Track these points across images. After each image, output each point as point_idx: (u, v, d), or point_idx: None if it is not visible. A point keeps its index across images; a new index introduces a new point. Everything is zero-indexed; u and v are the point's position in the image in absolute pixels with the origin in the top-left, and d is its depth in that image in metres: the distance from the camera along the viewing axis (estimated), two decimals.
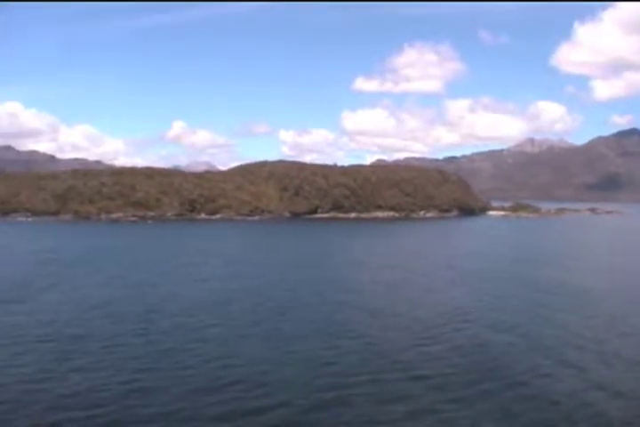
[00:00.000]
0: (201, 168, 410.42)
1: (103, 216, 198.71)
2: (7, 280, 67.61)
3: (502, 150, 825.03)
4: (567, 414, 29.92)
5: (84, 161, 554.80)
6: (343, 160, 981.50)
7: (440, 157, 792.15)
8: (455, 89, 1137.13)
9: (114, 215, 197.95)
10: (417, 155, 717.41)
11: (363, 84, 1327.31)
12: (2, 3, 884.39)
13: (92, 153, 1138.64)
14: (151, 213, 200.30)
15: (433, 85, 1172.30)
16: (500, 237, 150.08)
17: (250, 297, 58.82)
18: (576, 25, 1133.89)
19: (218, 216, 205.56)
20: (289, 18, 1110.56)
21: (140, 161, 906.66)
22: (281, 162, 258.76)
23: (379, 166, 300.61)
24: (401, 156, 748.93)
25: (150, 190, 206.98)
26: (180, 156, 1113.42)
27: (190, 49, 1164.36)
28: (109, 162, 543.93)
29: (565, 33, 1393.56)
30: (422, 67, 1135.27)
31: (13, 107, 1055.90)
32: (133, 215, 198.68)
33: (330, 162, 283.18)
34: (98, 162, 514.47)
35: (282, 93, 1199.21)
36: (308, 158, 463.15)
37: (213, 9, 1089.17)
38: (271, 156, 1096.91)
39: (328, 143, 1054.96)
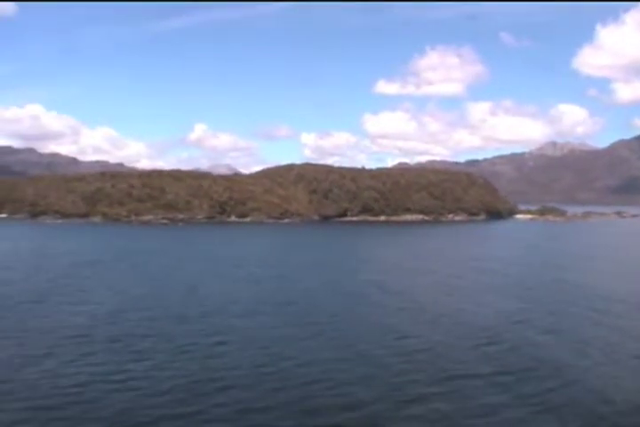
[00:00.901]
0: (222, 171, 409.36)
1: (133, 218, 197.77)
2: (59, 281, 66.40)
3: (524, 153, 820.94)
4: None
5: (105, 163, 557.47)
6: (364, 163, 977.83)
7: (461, 160, 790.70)
8: (477, 92, 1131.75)
9: (145, 218, 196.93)
10: (438, 158, 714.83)
11: (384, 87, 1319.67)
12: (27, 3, 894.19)
13: (113, 156, 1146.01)
14: (181, 216, 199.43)
15: (454, 88, 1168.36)
16: (534, 242, 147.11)
17: (300, 299, 58.07)
18: (598, 27, 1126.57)
19: (248, 219, 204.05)
20: (311, 20, 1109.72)
21: (161, 164, 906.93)
22: (308, 165, 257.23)
23: (407, 169, 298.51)
24: (422, 159, 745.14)
25: (180, 193, 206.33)
26: (202, 159, 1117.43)
27: (212, 51, 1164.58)
28: (131, 164, 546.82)
29: (587, 35, 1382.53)
30: (444, 70, 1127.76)
31: (35, 109, 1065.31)
32: (163, 218, 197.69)
33: (351, 165, 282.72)
34: (120, 164, 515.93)
35: (303, 96, 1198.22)
36: (330, 161, 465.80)
37: (236, 10, 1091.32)
38: (292, 159, 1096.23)
39: (349, 146, 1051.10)
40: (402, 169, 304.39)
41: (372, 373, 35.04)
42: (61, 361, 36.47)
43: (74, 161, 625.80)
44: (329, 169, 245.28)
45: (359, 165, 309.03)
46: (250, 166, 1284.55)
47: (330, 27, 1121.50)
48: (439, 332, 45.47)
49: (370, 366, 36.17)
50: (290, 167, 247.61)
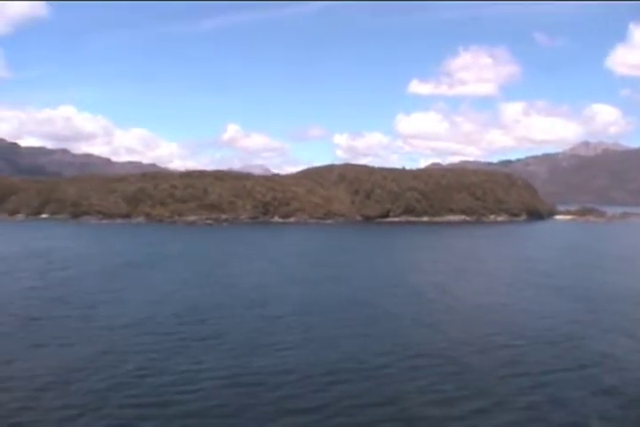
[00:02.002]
0: (255, 171, 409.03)
1: (177, 219, 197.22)
2: (127, 280, 65.58)
3: (557, 154, 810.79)
4: None
5: (138, 164, 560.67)
6: (397, 163, 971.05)
7: (494, 160, 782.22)
8: (510, 92, 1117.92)
9: (189, 218, 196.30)
10: (470, 158, 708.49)
11: (418, 87, 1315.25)
12: (59, 3, 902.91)
13: (145, 156, 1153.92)
14: (224, 216, 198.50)
15: (488, 88, 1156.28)
16: (581, 243, 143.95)
17: (371, 300, 57.47)
18: (631, 26, 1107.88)
19: (292, 219, 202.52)
20: (344, 20, 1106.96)
21: (194, 164, 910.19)
22: (348, 165, 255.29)
23: (448, 170, 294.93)
24: (454, 159, 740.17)
25: (223, 193, 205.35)
26: (234, 159, 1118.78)
27: (244, 52, 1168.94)
28: (164, 165, 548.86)
29: (620, 34, 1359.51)
30: (477, 70, 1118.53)
31: (68, 110, 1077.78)
32: (207, 218, 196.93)
33: (384, 166, 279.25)
34: (153, 165, 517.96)
35: (336, 97, 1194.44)
36: (362, 162, 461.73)
37: (268, 11, 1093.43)
38: (325, 159, 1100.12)
39: (382, 146, 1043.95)
40: (442, 169, 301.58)
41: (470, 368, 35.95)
42: (162, 358, 36.57)
43: (107, 162, 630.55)
44: (370, 170, 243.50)
45: (391, 166, 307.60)
46: (282, 167, 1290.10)
47: (363, 27, 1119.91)
48: (512, 331, 45.62)
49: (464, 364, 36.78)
50: (330, 168, 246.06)
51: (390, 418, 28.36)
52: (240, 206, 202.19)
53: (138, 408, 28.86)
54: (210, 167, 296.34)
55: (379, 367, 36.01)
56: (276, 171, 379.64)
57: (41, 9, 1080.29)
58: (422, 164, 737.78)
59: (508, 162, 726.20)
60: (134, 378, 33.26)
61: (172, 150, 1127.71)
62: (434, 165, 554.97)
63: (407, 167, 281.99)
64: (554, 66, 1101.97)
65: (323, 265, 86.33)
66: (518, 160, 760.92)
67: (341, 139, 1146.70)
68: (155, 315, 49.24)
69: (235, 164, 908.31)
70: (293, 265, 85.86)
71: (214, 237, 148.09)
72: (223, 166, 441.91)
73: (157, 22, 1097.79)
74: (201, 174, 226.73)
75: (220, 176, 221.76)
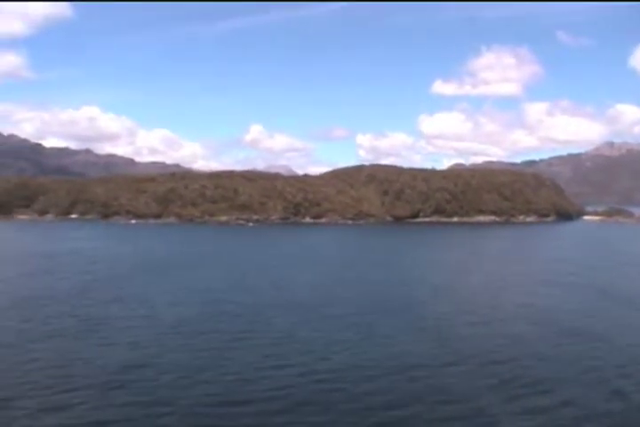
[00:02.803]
0: (279, 172, 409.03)
1: (209, 219, 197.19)
2: (181, 280, 65.13)
3: (581, 154, 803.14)
4: None
5: (162, 164, 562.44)
6: (420, 164, 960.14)
7: (517, 160, 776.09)
8: (534, 92, 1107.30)
9: (221, 218, 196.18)
10: (494, 159, 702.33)
11: (441, 88, 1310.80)
12: (77, 3, 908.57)
13: (168, 156, 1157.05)
14: (255, 217, 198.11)
15: (511, 88, 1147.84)
16: (617, 244, 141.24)
17: (410, 299, 57.25)
18: None
19: (323, 220, 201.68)
20: (368, 20, 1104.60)
21: (217, 165, 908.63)
22: (377, 166, 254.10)
23: (477, 170, 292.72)
24: (478, 160, 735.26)
25: (253, 194, 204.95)
26: (257, 159, 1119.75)
27: (268, 53, 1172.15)
28: (187, 165, 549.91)
29: None
30: (501, 70, 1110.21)
31: (91, 111, 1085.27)
32: (238, 218, 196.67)
33: (407, 166, 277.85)
34: (176, 165, 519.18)
35: (360, 97, 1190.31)
36: (385, 162, 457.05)
37: (291, 12, 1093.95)
38: (348, 160, 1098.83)
39: (405, 147, 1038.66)
40: (471, 170, 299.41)
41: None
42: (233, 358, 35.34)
43: (131, 162, 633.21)
44: (399, 170, 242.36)
45: (414, 166, 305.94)
46: (305, 167, 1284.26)
47: (386, 27, 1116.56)
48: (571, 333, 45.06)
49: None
50: (359, 168, 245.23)
51: (463, 415, 28.20)
52: (271, 207, 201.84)
53: (218, 406, 28.69)
54: (233, 168, 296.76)
55: (445, 365, 35.83)
56: (299, 171, 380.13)
57: (64, 10, 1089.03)
58: (445, 164, 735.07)
59: (532, 162, 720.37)
60: (211, 376, 33.02)
61: (195, 151, 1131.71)
62: (457, 165, 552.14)
63: (431, 168, 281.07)
64: (577, 65, 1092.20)
65: (371, 266, 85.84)
66: (542, 160, 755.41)
67: (364, 139, 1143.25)
68: (216, 314, 49.07)
69: (258, 164, 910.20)
70: (341, 265, 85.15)
71: (252, 237, 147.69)
72: (247, 167, 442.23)
73: (180, 23, 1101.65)
74: (230, 175, 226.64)
75: (249, 177, 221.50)
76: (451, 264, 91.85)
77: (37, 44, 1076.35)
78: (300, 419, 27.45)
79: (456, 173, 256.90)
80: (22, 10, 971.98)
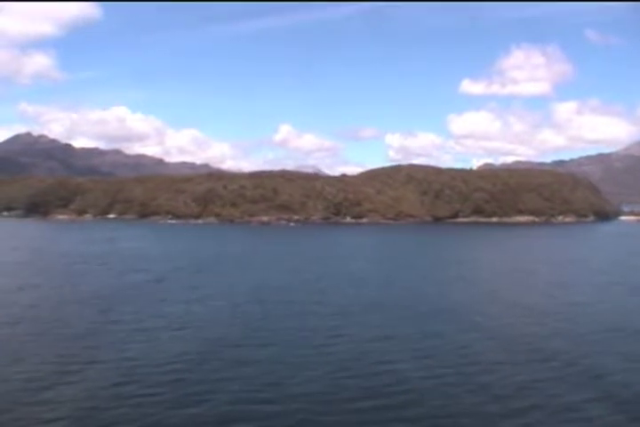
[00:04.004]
0: (308, 172, 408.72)
1: (253, 219, 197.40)
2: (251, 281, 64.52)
3: (610, 154, 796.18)
4: None
5: (191, 164, 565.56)
6: (449, 164, 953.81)
7: (546, 160, 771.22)
8: (563, 91, 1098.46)
9: (263, 218, 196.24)
10: (523, 158, 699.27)
11: (469, 87, 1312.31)
12: (106, 4, 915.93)
13: (197, 157, 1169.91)
14: (296, 217, 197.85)
15: (540, 87, 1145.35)
16: None
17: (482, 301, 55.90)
18: None
19: (364, 220, 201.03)
20: (395, 20, 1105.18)
21: (246, 165, 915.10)
22: (414, 166, 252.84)
23: (515, 170, 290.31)
24: (507, 159, 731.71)
25: (293, 194, 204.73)
26: (286, 159, 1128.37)
27: (297, 53, 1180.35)
28: (216, 165, 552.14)
29: None
30: (530, 69, 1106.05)
31: (120, 111, 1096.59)
32: (278, 218, 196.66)
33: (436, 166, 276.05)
34: (205, 165, 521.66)
35: (389, 97, 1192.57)
36: (414, 162, 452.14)
37: (319, 11, 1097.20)
38: (377, 160, 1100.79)
39: (434, 147, 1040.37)
40: (509, 170, 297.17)
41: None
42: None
43: (160, 162, 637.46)
44: (438, 170, 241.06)
45: (445, 167, 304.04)
46: (334, 167, 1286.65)
47: (414, 27, 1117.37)
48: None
49: None
50: (397, 168, 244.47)
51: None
52: (311, 207, 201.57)
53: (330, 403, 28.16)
54: (262, 168, 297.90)
55: (497, 363, 35.32)
56: (328, 171, 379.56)
57: (92, 10, 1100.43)
58: (475, 164, 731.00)
59: (562, 162, 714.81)
60: (317, 372, 32.76)
61: (223, 151, 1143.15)
62: (487, 165, 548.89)
63: (459, 167, 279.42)
64: (607, 64, 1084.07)
65: (432, 266, 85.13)
66: (571, 160, 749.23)
67: (393, 139, 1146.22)
68: (302, 312, 48.75)
69: (287, 164, 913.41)
70: (405, 265, 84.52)
71: (299, 237, 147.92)
72: (275, 167, 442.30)
73: (210, 22, 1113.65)
74: (270, 175, 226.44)
75: (288, 176, 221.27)
76: (509, 265, 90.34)
77: (66, 45, 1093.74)
78: (422, 413, 27.17)
79: (494, 173, 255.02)
80: (51, 11, 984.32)
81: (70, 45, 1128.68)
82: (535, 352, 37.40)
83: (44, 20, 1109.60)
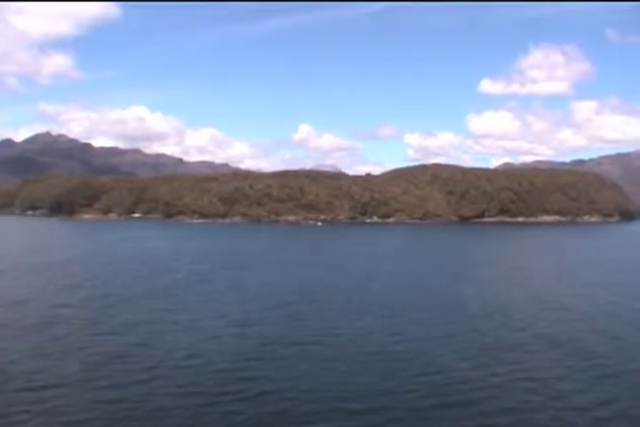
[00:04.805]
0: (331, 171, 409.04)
1: (280, 219, 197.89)
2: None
3: (630, 153, 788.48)
4: None
5: (210, 164, 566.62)
6: (468, 163, 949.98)
7: (565, 159, 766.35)
8: (582, 90, 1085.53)
9: (290, 218, 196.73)
10: (542, 158, 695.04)
11: (489, 86, 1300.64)
12: (125, 4, 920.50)
13: (216, 156, 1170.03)
14: (322, 216, 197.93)
15: (560, 87, 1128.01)
16: None
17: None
18: None
19: (391, 220, 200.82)
20: (414, 19, 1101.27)
21: (265, 164, 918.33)
22: (438, 165, 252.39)
23: (540, 170, 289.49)
24: (526, 159, 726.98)
25: (320, 193, 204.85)
26: (305, 159, 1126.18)
27: (317, 52, 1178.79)
28: (235, 165, 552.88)
29: None
30: (549, 68, 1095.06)
31: (139, 111, 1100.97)
32: (305, 218, 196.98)
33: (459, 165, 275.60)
34: (225, 165, 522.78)
35: (408, 96, 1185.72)
36: (433, 162, 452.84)
37: (337, 11, 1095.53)
38: (396, 159, 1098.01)
39: (453, 146, 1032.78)
40: (534, 170, 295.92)
41: None
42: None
43: (179, 161, 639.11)
44: (463, 170, 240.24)
45: (464, 166, 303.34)
46: (352, 167, 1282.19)
47: (434, 26, 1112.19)
48: None
49: None
50: (422, 167, 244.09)
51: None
52: (338, 206, 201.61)
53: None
54: (281, 167, 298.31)
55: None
56: (347, 171, 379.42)
57: (112, 10, 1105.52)
58: (494, 163, 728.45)
59: (581, 161, 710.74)
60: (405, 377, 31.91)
61: (242, 150, 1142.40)
62: (506, 164, 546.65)
63: (484, 167, 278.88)
64: (626, 63, 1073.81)
65: (469, 265, 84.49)
66: (591, 160, 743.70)
67: (412, 138, 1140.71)
68: (363, 312, 47.93)
69: (306, 164, 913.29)
70: (441, 266, 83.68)
71: (331, 236, 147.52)
72: (295, 166, 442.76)
73: (228, 22, 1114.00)
74: (295, 174, 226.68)
75: (313, 176, 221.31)
76: (545, 264, 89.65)
77: (86, 44, 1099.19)
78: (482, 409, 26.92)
79: (519, 172, 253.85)
80: (70, 11, 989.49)
81: (89, 45, 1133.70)
82: (583, 352, 37.26)
83: (63, 20, 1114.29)
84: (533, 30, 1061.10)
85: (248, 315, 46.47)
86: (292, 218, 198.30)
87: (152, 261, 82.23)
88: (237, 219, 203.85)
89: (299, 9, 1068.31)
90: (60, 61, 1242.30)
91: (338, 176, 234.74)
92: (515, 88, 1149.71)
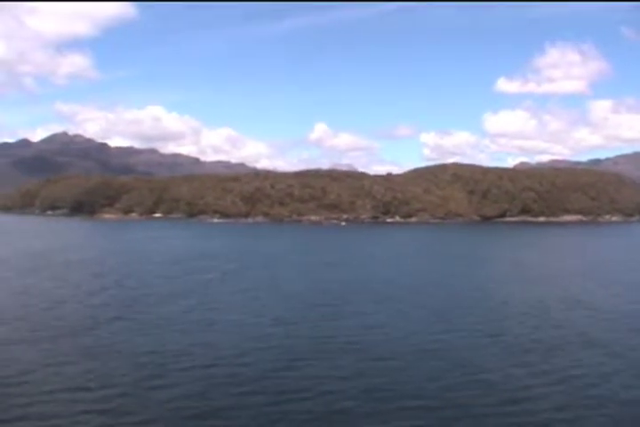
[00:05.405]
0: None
1: (303, 218, 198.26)
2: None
3: None
4: None
5: (227, 163, 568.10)
6: (485, 163, 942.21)
7: (582, 159, 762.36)
8: (599, 89, 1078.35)
9: (312, 217, 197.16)
10: (559, 157, 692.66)
11: (505, 85, 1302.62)
12: (142, 4, 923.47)
13: (232, 156, 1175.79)
14: (345, 216, 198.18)
15: (576, 86, 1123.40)
16: None
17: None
18: None
19: (414, 219, 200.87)
20: (431, 19, 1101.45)
21: (281, 164, 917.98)
22: (458, 164, 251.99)
23: (560, 169, 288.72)
24: (542, 158, 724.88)
25: (342, 193, 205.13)
26: (321, 158, 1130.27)
27: (333, 51, 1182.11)
28: (251, 164, 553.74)
29: None
30: (565, 67, 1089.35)
31: (156, 111, 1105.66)
32: (327, 217, 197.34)
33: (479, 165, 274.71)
34: (241, 164, 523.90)
35: (424, 95, 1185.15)
36: (450, 161, 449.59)
37: (352, 11, 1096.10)
38: (412, 158, 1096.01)
39: (469, 145, 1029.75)
40: (554, 169, 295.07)
41: None
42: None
43: (196, 161, 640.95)
44: (484, 169, 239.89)
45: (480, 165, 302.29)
46: (369, 166, 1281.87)
47: (450, 25, 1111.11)
48: None
49: None
50: (443, 167, 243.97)
51: None
52: (360, 206, 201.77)
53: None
54: (297, 167, 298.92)
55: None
56: (363, 170, 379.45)
57: (128, 10, 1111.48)
58: (510, 163, 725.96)
59: (598, 161, 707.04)
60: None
61: (259, 150, 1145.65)
62: (522, 164, 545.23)
63: (504, 167, 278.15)
64: None
65: (506, 264, 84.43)
66: (607, 159, 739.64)
67: (428, 137, 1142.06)
68: (427, 312, 48.53)
69: (322, 163, 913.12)
70: (476, 265, 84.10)
71: (357, 236, 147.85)
72: (311, 166, 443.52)
73: (243, 22, 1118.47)
74: (316, 174, 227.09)
75: (335, 176, 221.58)
76: (574, 264, 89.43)
77: (102, 44, 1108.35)
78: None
79: (539, 172, 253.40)
80: (86, 11, 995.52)
81: (106, 45, 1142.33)
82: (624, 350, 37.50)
83: (79, 20, 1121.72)
84: (550, 29, 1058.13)
85: (289, 314, 47.05)
86: (314, 218, 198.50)
87: (183, 261, 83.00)
88: (260, 218, 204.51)
89: (313, 9, 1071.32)
90: (76, 61, 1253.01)
91: (359, 176, 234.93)
92: (531, 87, 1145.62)
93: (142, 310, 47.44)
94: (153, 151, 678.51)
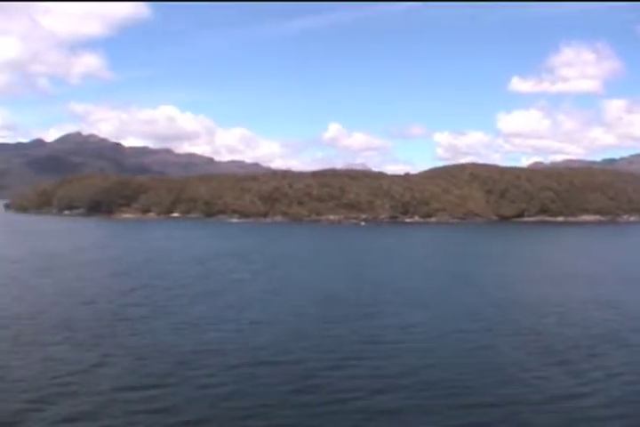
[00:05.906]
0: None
1: (322, 218, 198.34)
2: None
3: None
4: None
5: (241, 163, 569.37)
6: (499, 162, 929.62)
7: (596, 158, 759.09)
8: (613, 88, 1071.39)
9: (331, 217, 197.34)
10: (573, 157, 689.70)
11: (519, 85, 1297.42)
12: (155, 3, 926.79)
13: (246, 155, 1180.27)
14: (363, 216, 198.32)
15: (591, 85, 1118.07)
16: None
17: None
18: None
19: (433, 219, 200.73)
20: (443, 18, 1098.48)
21: (295, 163, 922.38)
22: (476, 164, 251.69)
23: (577, 169, 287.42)
24: (557, 158, 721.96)
25: (360, 193, 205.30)
26: (335, 158, 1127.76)
27: (346, 51, 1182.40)
28: (265, 164, 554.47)
29: None
30: (580, 66, 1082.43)
31: (169, 110, 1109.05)
32: (346, 217, 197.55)
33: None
34: (255, 164, 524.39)
35: (437, 95, 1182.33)
36: (463, 161, 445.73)
37: (365, 10, 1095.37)
38: (425, 158, 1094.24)
39: (483, 145, 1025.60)
40: (571, 169, 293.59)
41: None
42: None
43: (210, 161, 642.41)
44: (501, 169, 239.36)
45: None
46: (383, 166, 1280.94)
47: (464, 24, 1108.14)
48: None
49: None
50: (461, 166, 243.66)
51: None
52: (379, 206, 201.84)
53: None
54: (311, 166, 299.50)
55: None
56: (377, 170, 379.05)
57: (142, 10, 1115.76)
58: (524, 162, 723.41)
59: (612, 160, 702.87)
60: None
61: (273, 149, 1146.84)
62: (537, 163, 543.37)
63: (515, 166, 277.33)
64: None
65: (534, 264, 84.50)
66: (622, 159, 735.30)
67: (442, 137, 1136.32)
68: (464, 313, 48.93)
69: (336, 163, 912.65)
70: (507, 264, 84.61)
71: (381, 236, 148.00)
72: (325, 166, 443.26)
73: (258, 22, 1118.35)
74: (334, 173, 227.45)
75: (354, 175, 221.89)
76: (598, 264, 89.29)
77: (116, 44, 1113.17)
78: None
79: (557, 172, 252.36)
80: (100, 11, 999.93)
81: (119, 45, 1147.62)
82: None
83: (93, 21, 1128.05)
84: (564, 28, 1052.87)
85: (326, 313, 47.95)
86: (333, 217, 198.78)
87: (207, 261, 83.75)
88: (278, 218, 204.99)
89: (325, 9, 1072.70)
90: (90, 61, 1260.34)
91: (377, 175, 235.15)
92: (545, 86, 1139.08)
93: (177, 311, 48.04)
94: (167, 151, 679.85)
